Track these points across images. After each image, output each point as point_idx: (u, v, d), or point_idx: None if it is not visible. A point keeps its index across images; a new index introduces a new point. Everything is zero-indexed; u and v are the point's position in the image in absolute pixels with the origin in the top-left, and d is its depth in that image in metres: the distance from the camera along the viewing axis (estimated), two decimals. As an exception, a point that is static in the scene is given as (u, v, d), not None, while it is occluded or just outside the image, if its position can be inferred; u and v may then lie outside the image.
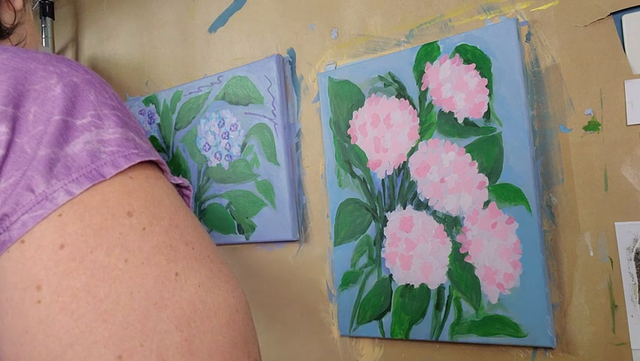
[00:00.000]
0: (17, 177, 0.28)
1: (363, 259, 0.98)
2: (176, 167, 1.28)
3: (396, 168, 0.95)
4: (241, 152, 1.16)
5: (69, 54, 1.60)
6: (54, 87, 0.32)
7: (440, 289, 0.89)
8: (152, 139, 1.33)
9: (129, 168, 0.32)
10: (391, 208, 0.95)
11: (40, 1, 1.56)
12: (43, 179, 0.28)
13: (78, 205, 0.29)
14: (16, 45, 0.48)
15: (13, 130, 0.29)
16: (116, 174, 0.31)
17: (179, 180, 0.36)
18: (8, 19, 0.47)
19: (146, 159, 0.33)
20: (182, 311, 0.29)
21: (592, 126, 0.79)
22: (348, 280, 1.00)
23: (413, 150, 0.93)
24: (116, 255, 0.28)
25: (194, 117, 1.24)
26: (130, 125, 0.35)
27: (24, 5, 0.49)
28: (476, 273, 0.86)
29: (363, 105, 0.99)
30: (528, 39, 0.84)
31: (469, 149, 0.87)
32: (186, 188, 0.38)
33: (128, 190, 0.31)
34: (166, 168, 0.36)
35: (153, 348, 0.27)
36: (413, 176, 0.93)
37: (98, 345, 0.26)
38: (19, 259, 0.27)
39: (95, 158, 0.30)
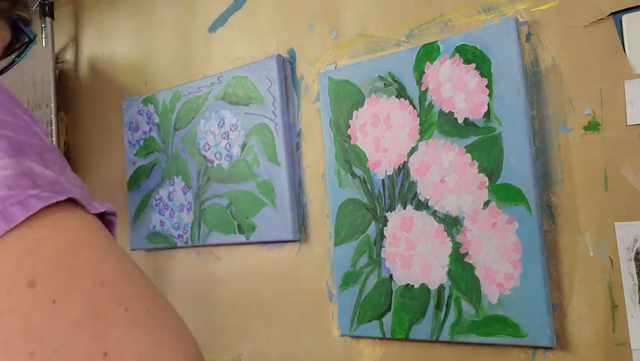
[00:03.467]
0: None
1: (364, 259, 0.98)
2: (176, 167, 1.28)
3: (396, 168, 0.95)
4: (241, 152, 1.16)
5: (69, 54, 1.60)
6: None
7: (440, 289, 0.89)
8: (151, 139, 1.33)
9: (42, 209, 0.24)
10: (391, 208, 0.95)
11: (40, 1, 1.55)
12: None
13: None
14: None
15: None
16: (23, 221, 0.24)
17: (102, 208, 0.29)
18: None
19: (51, 202, 0.25)
20: None
21: (592, 126, 0.79)
22: (348, 280, 1.00)
23: (413, 150, 0.93)
24: (17, 349, 0.21)
25: (193, 117, 1.24)
26: (27, 149, 0.26)
27: None
28: (476, 273, 0.86)
29: (363, 105, 0.99)
30: (528, 39, 0.84)
31: (469, 149, 0.87)
32: (111, 214, 0.30)
33: (27, 249, 0.23)
34: (85, 200, 0.27)
35: None
36: (413, 176, 0.93)
37: None
38: None
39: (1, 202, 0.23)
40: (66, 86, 1.60)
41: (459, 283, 0.87)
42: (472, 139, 0.87)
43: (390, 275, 0.95)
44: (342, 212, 1.01)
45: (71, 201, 0.27)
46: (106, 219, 0.30)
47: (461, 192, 0.88)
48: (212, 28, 1.25)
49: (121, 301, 0.24)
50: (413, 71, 0.93)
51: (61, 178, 0.27)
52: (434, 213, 0.91)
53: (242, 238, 1.15)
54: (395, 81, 0.95)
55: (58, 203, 0.26)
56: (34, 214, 0.24)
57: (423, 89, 0.92)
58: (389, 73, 0.96)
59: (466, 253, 0.87)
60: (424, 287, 0.91)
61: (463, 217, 0.87)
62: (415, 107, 0.93)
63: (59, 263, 0.24)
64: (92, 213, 0.28)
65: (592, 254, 0.79)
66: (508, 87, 0.83)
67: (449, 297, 0.88)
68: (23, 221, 0.24)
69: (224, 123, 1.19)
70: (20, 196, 0.24)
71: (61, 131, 1.59)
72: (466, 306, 0.87)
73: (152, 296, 0.26)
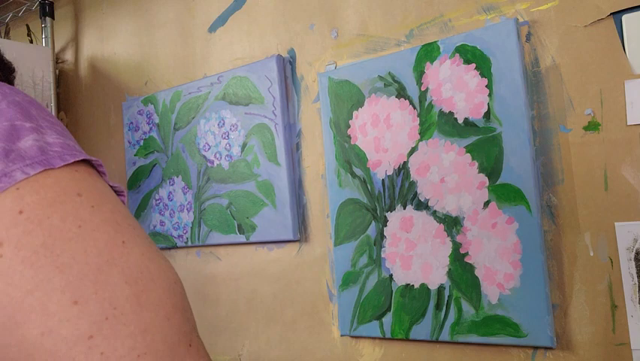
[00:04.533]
0: None
1: (364, 259, 0.98)
2: (176, 167, 1.28)
3: (396, 168, 0.95)
4: (241, 152, 1.16)
5: (69, 54, 1.60)
6: (0, 102, 0.36)
7: (440, 289, 0.89)
8: (151, 139, 1.33)
9: (74, 162, 0.35)
10: (391, 208, 0.95)
11: (40, 1, 1.55)
12: (1, 163, 0.32)
13: (34, 183, 0.32)
14: None
15: None
16: (64, 166, 0.34)
17: (115, 185, 0.40)
18: None
19: (87, 158, 0.37)
20: (130, 270, 0.33)
21: (592, 126, 0.79)
22: (348, 280, 1.00)
23: (413, 150, 0.93)
24: (70, 221, 0.32)
25: (193, 117, 1.24)
26: (68, 137, 0.38)
27: None
28: (476, 273, 0.86)
29: (363, 105, 0.99)
30: (528, 39, 0.84)
31: (469, 149, 0.87)
32: (121, 193, 0.41)
33: (75, 178, 0.35)
34: (104, 170, 0.39)
35: (106, 296, 0.31)
36: (413, 176, 0.93)
37: (56, 292, 0.30)
38: None
39: (44, 152, 0.34)
40: (66, 86, 1.60)
41: (459, 283, 0.87)
42: (472, 139, 0.87)
43: (390, 275, 0.95)
44: (342, 212, 1.01)
45: (97, 172, 0.38)
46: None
47: (461, 192, 0.88)
48: (212, 28, 1.25)
49: (131, 225, 0.36)
50: (413, 71, 0.93)
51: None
52: (434, 214, 0.90)
53: (242, 238, 1.15)
54: (395, 81, 0.95)
55: (92, 166, 0.38)
56: (77, 163, 0.36)
57: (423, 89, 0.92)
58: (389, 73, 0.96)
59: (466, 253, 0.87)
60: (424, 287, 0.91)
61: (463, 217, 0.87)
62: (415, 107, 0.93)
63: (94, 191, 0.35)
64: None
65: (592, 254, 0.79)
66: (508, 87, 0.83)
67: (449, 297, 0.88)
68: (71, 164, 0.35)
69: (224, 123, 1.19)
70: (69, 152, 0.35)
71: (61, 131, 1.59)
72: (466, 306, 0.87)
73: (150, 240, 0.38)
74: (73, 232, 0.32)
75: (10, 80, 0.56)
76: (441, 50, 0.90)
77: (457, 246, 0.88)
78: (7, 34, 1.76)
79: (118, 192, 0.40)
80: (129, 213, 0.38)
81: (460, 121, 0.88)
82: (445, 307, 0.89)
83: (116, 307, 0.31)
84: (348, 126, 1.01)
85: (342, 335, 1.02)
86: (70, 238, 0.32)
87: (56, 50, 1.59)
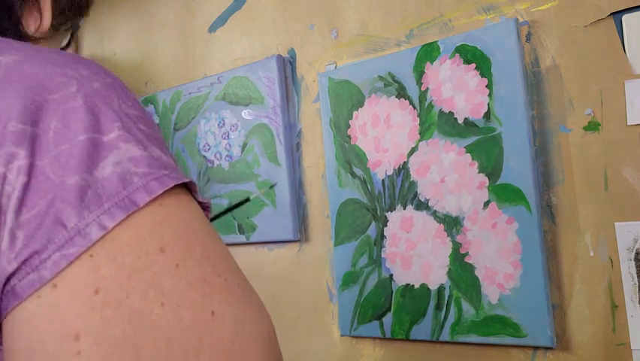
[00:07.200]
0: (42, 208, 0.26)
1: (364, 259, 0.98)
2: (177, 167, 1.28)
3: (396, 168, 0.95)
4: (241, 152, 1.16)
5: (69, 54, 1.60)
6: (74, 97, 0.29)
7: (440, 289, 0.89)
8: (152, 139, 1.33)
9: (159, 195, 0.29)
10: (392, 208, 0.96)
11: (39, 2, 1.55)
12: (74, 211, 0.26)
13: (110, 244, 0.27)
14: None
15: (33, 152, 0.27)
16: (149, 201, 0.29)
17: (204, 200, 0.34)
18: (32, 27, 0.43)
19: (179, 182, 0.30)
20: (220, 352, 0.28)
21: (592, 126, 0.79)
22: (348, 280, 1.00)
23: (413, 150, 0.93)
24: (151, 299, 0.27)
25: (193, 118, 1.24)
26: (155, 138, 0.32)
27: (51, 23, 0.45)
28: (476, 273, 0.86)
29: (363, 105, 0.99)
30: (528, 39, 0.84)
31: (469, 149, 0.87)
32: (207, 208, 0.35)
33: (159, 220, 0.29)
34: (195, 187, 0.33)
35: None
36: (413, 176, 0.93)
37: None
38: (53, 305, 0.26)
39: (127, 183, 0.28)
40: (66, 86, 1.60)
41: (459, 283, 0.87)
42: (472, 139, 0.87)
43: (391, 275, 0.95)
44: (342, 212, 1.01)
45: (187, 189, 0.32)
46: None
47: (461, 192, 0.88)
48: (212, 28, 1.25)
49: (221, 273, 0.31)
50: (413, 71, 0.93)
51: (179, 168, 0.33)
52: (434, 214, 0.91)
53: (242, 238, 1.15)
54: (395, 81, 0.95)
55: (178, 185, 0.31)
56: (163, 192, 0.29)
57: (423, 89, 0.92)
58: (389, 73, 0.96)
59: (466, 253, 0.87)
60: (424, 287, 0.91)
61: (463, 217, 0.87)
62: (415, 108, 0.93)
63: (180, 236, 0.29)
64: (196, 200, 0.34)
65: (592, 254, 0.79)
66: (508, 87, 0.83)
67: (449, 297, 0.88)
68: (157, 197, 0.29)
69: (224, 123, 1.19)
70: (157, 174, 0.29)
71: (61, 132, 1.59)
72: (466, 306, 0.87)
73: (240, 274, 0.33)
74: (155, 313, 0.27)
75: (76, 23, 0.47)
76: (441, 50, 0.90)
77: (457, 246, 0.88)
78: (7, 35, 1.76)
79: (204, 207, 0.34)
80: (219, 249, 0.32)
81: (460, 121, 0.88)
82: (445, 307, 0.89)
83: None
84: (348, 126, 1.01)
85: (342, 335, 1.02)
86: (152, 323, 0.27)
87: (56, 50, 1.59)
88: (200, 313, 0.28)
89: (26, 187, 0.26)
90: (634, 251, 0.75)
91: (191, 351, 0.27)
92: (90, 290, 0.26)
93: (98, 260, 0.26)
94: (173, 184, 0.30)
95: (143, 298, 0.27)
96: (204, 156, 1.22)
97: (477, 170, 0.86)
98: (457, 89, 0.88)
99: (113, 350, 0.26)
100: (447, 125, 0.89)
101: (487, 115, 0.85)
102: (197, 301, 0.28)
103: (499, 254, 0.83)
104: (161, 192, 0.29)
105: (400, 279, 0.94)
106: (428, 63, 0.92)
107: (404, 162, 0.94)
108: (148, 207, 0.28)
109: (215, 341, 0.28)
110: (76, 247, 0.26)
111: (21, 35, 0.42)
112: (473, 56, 0.87)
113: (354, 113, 1.00)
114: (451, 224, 0.89)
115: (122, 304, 0.26)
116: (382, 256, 0.96)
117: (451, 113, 0.89)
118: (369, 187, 0.98)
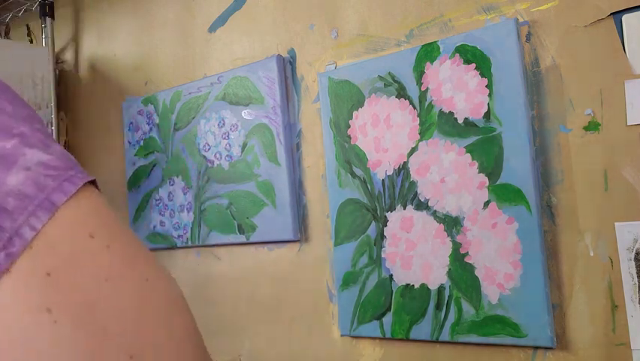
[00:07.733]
0: None
1: (364, 259, 0.98)
2: (176, 167, 1.28)
3: (396, 168, 0.95)
4: (241, 152, 1.16)
5: (69, 54, 1.60)
6: None
7: (440, 289, 0.89)
8: (151, 139, 1.33)
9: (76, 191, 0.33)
10: (391, 208, 0.96)
11: (40, 1, 1.55)
12: (6, 215, 0.29)
13: (45, 238, 0.30)
14: None
15: None
16: (66, 200, 0.32)
17: (91, 178, 0.38)
18: None
19: (86, 180, 0.34)
20: (162, 305, 0.33)
21: (592, 126, 0.79)
22: (348, 280, 1.00)
23: (413, 150, 0.93)
24: (95, 276, 0.31)
25: (193, 118, 1.24)
26: (49, 136, 0.35)
27: None
28: (476, 273, 0.86)
29: (363, 105, 0.99)
30: (528, 39, 0.84)
31: (469, 149, 0.87)
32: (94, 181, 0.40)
33: (81, 213, 0.32)
34: (95, 180, 0.37)
35: (159, 343, 0.32)
36: (413, 176, 0.93)
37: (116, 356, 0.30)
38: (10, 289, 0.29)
39: (42, 186, 0.30)
40: (66, 86, 1.60)
41: (459, 283, 0.87)
42: (472, 139, 0.87)
43: (391, 275, 0.95)
44: (342, 212, 1.01)
45: (91, 183, 0.36)
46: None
47: (461, 192, 0.88)
48: (212, 28, 1.25)
49: (139, 250, 0.35)
50: (413, 71, 0.93)
51: (77, 163, 0.36)
52: (434, 214, 0.91)
53: (242, 238, 1.15)
54: (395, 81, 0.95)
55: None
56: (78, 190, 0.32)
57: (423, 89, 0.92)
58: (389, 73, 0.96)
59: (466, 253, 0.87)
60: (424, 287, 0.91)
61: (463, 217, 0.87)
62: (415, 107, 0.93)
63: (104, 222, 0.33)
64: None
65: (592, 254, 0.79)
66: (508, 87, 0.83)
67: (449, 297, 0.88)
68: (72, 195, 0.32)
69: (224, 123, 1.19)
70: (64, 175, 0.32)
71: (61, 132, 1.59)
72: (466, 306, 0.87)
73: (147, 252, 0.37)
74: (103, 288, 0.31)
75: None
76: (441, 50, 0.90)
77: (457, 246, 0.88)
78: (7, 35, 1.76)
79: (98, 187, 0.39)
80: (127, 230, 0.37)
81: (460, 121, 0.88)
82: (445, 307, 0.89)
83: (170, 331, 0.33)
84: (348, 126, 1.01)
85: (342, 335, 1.02)
86: (105, 296, 0.30)
87: (56, 50, 1.59)
88: (138, 282, 0.33)
89: None
90: (634, 251, 0.75)
91: (144, 306, 0.32)
92: (42, 273, 0.29)
93: (39, 251, 0.30)
94: (82, 183, 0.33)
95: (89, 275, 0.31)
96: (204, 156, 1.22)
97: (477, 170, 0.86)
98: (457, 89, 0.88)
99: (77, 319, 0.29)
100: (447, 125, 0.89)
101: (487, 115, 0.85)
102: (135, 273, 0.33)
103: (499, 254, 0.83)
104: (75, 190, 0.32)
105: (400, 279, 0.94)
106: (428, 63, 0.92)
107: (404, 162, 0.94)
108: (67, 205, 0.31)
109: (158, 297, 0.33)
110: (16, 247, 0.29)
111: None
112: (473, 56, 0.87)
113: (354, 113, 1.00)
114: (451, 224, 0.89)
115: (74, 282, 0.30)
116: (382, 256, 0.96)
117: (451, 113, 0.89)
118: (369, 187, 0.98)
